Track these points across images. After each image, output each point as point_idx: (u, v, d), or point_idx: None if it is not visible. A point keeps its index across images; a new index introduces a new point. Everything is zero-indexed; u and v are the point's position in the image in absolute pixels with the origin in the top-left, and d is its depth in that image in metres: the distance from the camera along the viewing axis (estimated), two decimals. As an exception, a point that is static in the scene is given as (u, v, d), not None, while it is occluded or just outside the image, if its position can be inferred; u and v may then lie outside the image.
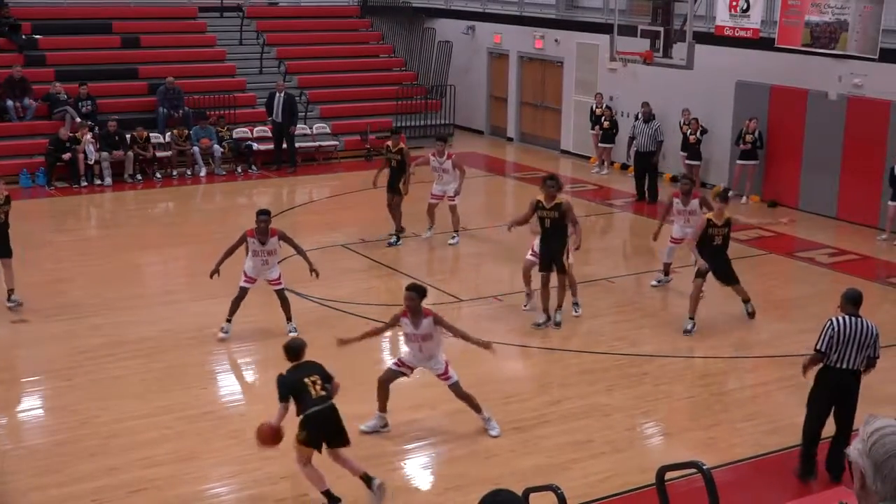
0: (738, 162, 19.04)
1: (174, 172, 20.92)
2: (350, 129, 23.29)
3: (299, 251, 12.04)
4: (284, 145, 21.77)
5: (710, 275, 12.20)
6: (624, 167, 21.30)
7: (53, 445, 9.31)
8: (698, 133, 19.53)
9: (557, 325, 12.29)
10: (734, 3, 17.98)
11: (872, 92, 17.19)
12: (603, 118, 21.76)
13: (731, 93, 19.44)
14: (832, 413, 8.68)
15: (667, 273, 13.78)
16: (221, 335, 11.72)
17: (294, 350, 8.30)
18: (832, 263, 15.49)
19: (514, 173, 22.37)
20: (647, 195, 19.31)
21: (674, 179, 19.60)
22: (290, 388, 8.00)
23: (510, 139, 25.48)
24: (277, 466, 8.80)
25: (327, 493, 8.12)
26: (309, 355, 8.33)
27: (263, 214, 11.72)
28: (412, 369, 9.48)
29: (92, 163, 19.83)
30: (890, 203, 16.36)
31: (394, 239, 15.93)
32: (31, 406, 10.56)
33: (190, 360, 11.32)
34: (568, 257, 12.29)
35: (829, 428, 8.75)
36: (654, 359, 11.52)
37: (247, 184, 20.99)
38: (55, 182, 19.82)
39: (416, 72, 26.12)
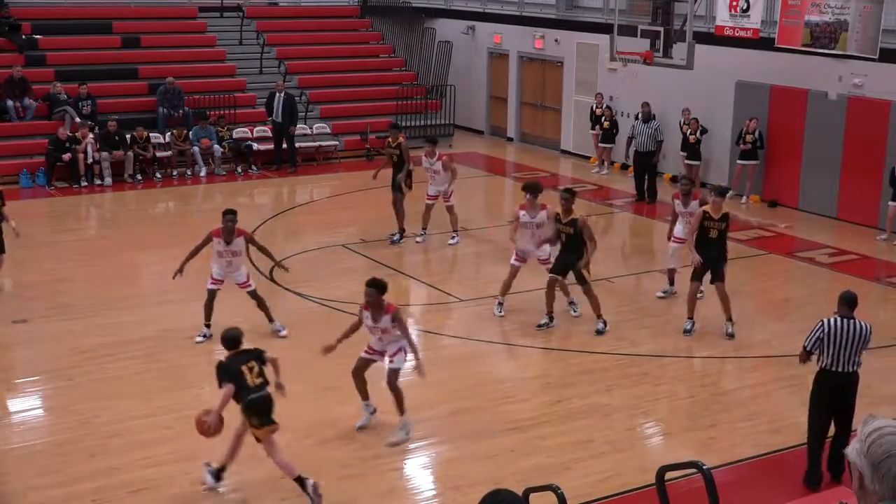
0: (739, 162, 19.04)
1: (174, 172, 20.92)
2: (350, 129, 23.30)
3: (265, 252, 12.02)
4: (284, 145, 21.77)
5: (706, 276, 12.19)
6: (624, 167, 21.29)
7: (53, 445, 9.32)
8: (698, 133, 19.53)
9: (598, 332, 12.20)
10: (734, 3, 17.98)
11: (872, 92, 17.19)
12: (603, 118, 21.76)
13: (731, 93, 19.44)
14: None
15: (672, 282, 13.67)
16: (199, 339, 11.73)
17: (231, 340, 8.47)
18: (832, 263, 15.49)
19: (514, 173, 22.36)
20: (646, 195, 19.31)
21: (674, 179, 19.61)
22: (228, 374, 8.21)
23: (510, 139, 25.49)
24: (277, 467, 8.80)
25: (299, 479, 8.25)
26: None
27: (230, 214, 11.67)
28: (382, 354, 9.54)
29: (91, 162, 19.84)
30: (890, 203, 16.36)
31: (396, 237, 15.97)
32: (31, 406, 10.55)
33: (190, 360, 11.32)
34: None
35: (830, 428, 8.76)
36: (654, 359, 11.53)
37: (247, 184, 20.99)
38: (55, 182, 19.82)
39: (416, 72, 26.13)
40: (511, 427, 9.67)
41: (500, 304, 12.87)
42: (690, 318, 12.25)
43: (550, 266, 12.51)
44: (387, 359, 9.46)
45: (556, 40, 23.55)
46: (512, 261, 12.86)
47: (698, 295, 12.36)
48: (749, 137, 18.69)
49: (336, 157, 22.70)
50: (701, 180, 19.69)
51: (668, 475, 6.96)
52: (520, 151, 24.56)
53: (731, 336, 12.06)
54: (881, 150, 16.94)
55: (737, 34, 18.07)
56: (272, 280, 13.93)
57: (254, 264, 13.77)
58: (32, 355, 11.67)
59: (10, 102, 20.62)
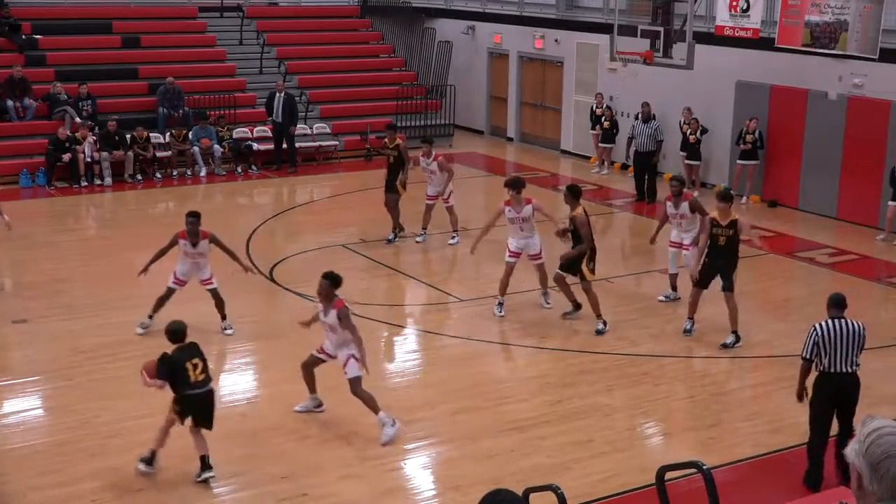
0: (739, 162, 19.04)
1: (174, 172, 20.92)
2: (350, 129, 23.29)
3: (230, 254, 11.98)
4: (284, 145, 21.77)
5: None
6: (624, 167, 21.29)
7: (53, 445, 9.32)
8: (698, 133, 19.53)
9: (598, 332, 12.20)
10: (734, 3, 17.98)
11: (872, 92, 17.19)
12: (603, 118, 21.76)
13: (731, 93, 19.44)
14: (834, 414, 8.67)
15: (674, 287, 13.60)
16: (139, 331, 11.81)
17: (176, 333, 8.62)
18: (832, 263, 15.50)
19: (515, 173, 22.33)
20: (646, 195, 19.31)
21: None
22: (170, 368, 8.41)
23: (510, 139, 25.48)
24: (278, 466, 8.81)
25: (152, 455, 8.52)
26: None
27: (192, 216, 11.63)
28: (331, 357, 9.52)
29: (90, 162, 19.83)
30: (890, 203, 16.36)
31: (391, 236, 15.98)
32: (31, 406, 10.54)
33: (190, 360, 11.30)
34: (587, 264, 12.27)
35: (831, 428, 8.74)
36: (654, 359, 11.53)
37: (247, 184, 20.99)
38: (55, 182, 19.82)
39: (416, 72, 26.13)
40: (511, 427, 9.67)
41: (500, 304, 12.87)
42: (691, 318, 12.24)
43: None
44: (343, 369, 9.41)
45: (556, 40, 23.55)
46: (506, 258, 12.86)
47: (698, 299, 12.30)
48: (749, 137, 18.70)
49: (336, 157, 22.71)
50: (701, 180, 19.71)
51: (668, 475, 6.96)
52: (520, 151, 24.55)
53: (724, 346, 11.78)
54: (881, 150, 16.94)
55: (737, 34, 18.07)
56: (272, 280, 13.94)
57: (254, 264, 13.78)
58: (32, 355, 11.66)
59: (10, 102, 20.62)
